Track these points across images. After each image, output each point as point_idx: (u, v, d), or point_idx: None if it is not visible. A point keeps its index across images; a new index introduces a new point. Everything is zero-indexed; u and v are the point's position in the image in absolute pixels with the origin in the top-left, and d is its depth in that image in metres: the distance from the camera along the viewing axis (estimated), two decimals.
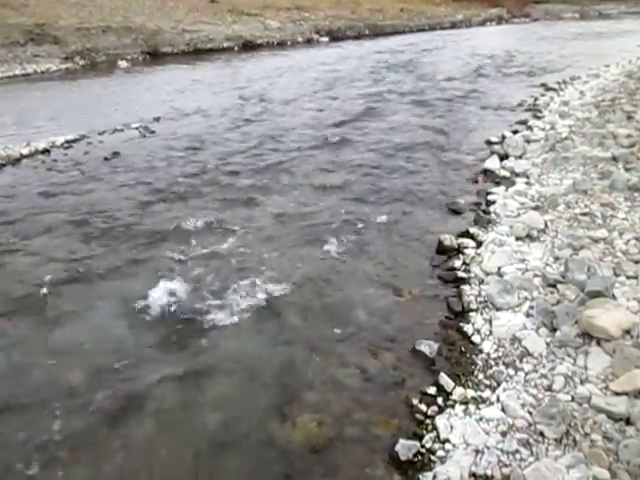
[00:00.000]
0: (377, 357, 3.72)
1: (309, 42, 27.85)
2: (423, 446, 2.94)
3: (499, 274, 4.44)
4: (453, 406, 3.20)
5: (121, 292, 4.64)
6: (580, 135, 7.58)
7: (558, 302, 3.81)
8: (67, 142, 9.40)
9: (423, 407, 3.24)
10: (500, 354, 3.56)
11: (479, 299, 4.21)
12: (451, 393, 3.31)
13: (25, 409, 3.34)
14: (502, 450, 2.78)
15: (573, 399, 2.98)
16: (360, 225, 5.79)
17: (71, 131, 10.00)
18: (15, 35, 19.97)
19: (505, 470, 2.66)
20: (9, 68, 18.08)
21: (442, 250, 5.16)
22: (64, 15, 22.45)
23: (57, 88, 15.54)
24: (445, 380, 3.39)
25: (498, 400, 3.13)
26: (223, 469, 2.93)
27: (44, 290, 4.68)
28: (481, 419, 3.02)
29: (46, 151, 8.93)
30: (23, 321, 4.27)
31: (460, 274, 4.66)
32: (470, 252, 4.97)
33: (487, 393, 3.24)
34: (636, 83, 10.92)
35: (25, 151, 8.76)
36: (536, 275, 4.26)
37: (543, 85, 13.24)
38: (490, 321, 3.90)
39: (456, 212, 6.09)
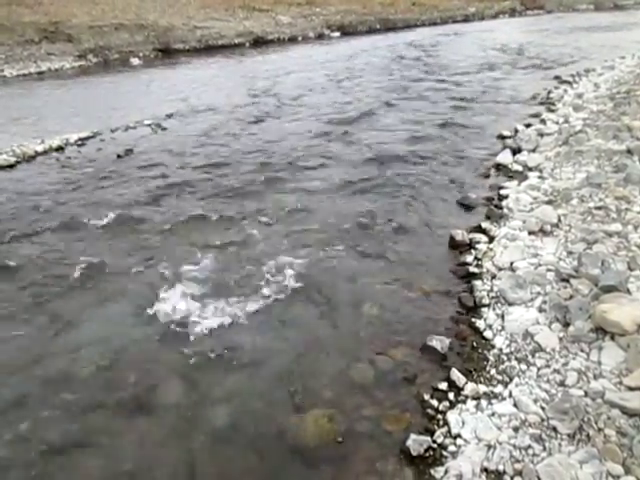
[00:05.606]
0: (388, 352, 3.71)
1: (320, 37, 27.79)
2: (434, 441, 2.93)
3: (511, 269, 4.40)
4: (465, 401, 3.18)
5: (135, 287, 4.68)
6: (594, 128, 7.47)
7: (571, 297, 3.76)
8: (80, 139, 9.52)
9: (434, 402, 3.23)
10: (512, 349, 3.53)
11: (491, 294, 4.18)
12: (462, 388, 3.29)
13: None
14: (514, 445, 2.76)
15: (586, 394, 2.94)
16: (369, 220, 5.77)
17: (84, 128, 10.10)
18: (30, 33, 20.19)
19: (517, 465, 2.64)
20: (24, 66, 18.28)
21: (454, 245, 5.14)
22: (77, 13, 22.66)
23: (70, 86, 15.68)
24: (457, 375, 3.37)
25: (510, 395, 3.11)
26: (233, 461, 2.95)
27: (57, 285, 4.75)
28: (493, 414, 3.00)
29: (60, 148, 9.04)
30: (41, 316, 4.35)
31: (472, 269, 4.63)
32: (482, 247, 4.93)
33: (499, 388, 3.22)
34: None
35: (39, 148, 8.88)
36: (549, 270, 4.22)
37: (557, 78, 13.08)
38: (502, 316, 3.88)
39: (468, 207, 6.04)
